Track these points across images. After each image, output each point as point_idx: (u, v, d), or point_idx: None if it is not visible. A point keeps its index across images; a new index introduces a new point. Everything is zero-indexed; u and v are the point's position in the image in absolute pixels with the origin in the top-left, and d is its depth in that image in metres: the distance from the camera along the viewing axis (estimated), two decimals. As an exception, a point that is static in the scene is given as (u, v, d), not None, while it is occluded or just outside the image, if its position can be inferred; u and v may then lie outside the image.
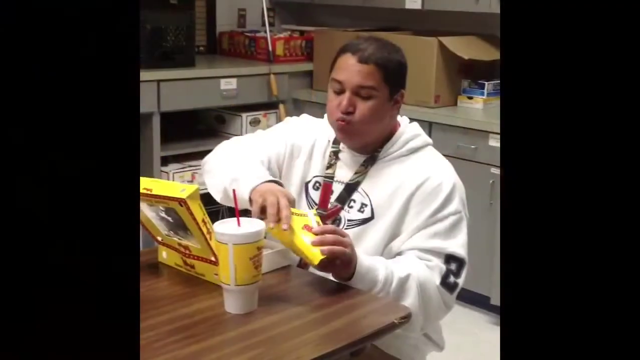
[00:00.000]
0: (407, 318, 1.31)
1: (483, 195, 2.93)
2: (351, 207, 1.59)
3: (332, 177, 1.63)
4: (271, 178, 1.54)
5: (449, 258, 1.51)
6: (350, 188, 1.60)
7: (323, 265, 1.38)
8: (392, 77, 1.56)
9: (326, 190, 1.62)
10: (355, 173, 1.61)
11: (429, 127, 3.04)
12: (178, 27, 3.26)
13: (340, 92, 1.56)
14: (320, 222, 1.45)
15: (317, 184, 1.65)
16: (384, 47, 1.57)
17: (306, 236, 1.38)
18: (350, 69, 1.54)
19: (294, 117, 1.80)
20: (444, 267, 1.50)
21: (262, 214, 1.42)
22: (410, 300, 1.45)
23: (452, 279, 1.51)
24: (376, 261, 1.46)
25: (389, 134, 1.63)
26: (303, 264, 1.58)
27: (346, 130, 1.57)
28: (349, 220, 1.59)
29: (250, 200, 1.47)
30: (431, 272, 1.49)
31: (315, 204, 1.63)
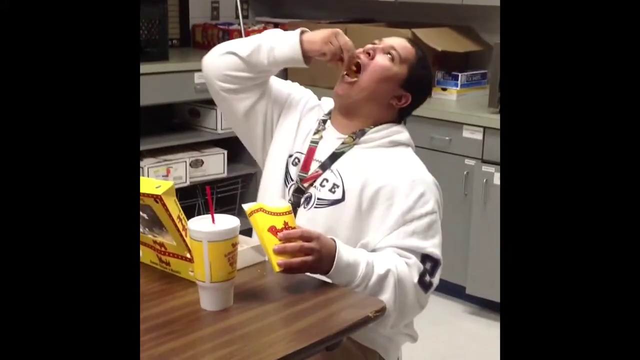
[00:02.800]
0: (381, 311, 1.32)
1: (458, 186, 2.96)
2: (323, 186, 1.60)
3: (317, 143, 1.67)
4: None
5: (425, 257, 1.52)
6: (335, 157, 1.63)
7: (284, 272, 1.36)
8: (416, 72, 1.66)
9: (310, 155, 1.65)
10: (343, 143, 1.64)
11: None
12: (151, 20, 3.24)
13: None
14: (292, 221, 1.39)
15: (297, 160, 1.67)
16: (428, 63, 1.73)
17: (270, 240, 1.34)
18: (396, 39, 1.69)
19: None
20: (421, 265, 1.51)
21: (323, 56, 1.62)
22: (386, 296, 1.45)
23: (427, 278, 1.52)
24: (358, 256, 1.45)
25: (377, 123, 1.66)
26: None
27: (349, 84, 1.63)
28: (319, 199, 1.60)
29: (305, 43, 1.63)
30: (410, 269, 1.49)
31: (292, 180, 1.65)
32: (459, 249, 2.97)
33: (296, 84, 1.83)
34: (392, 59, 1.64)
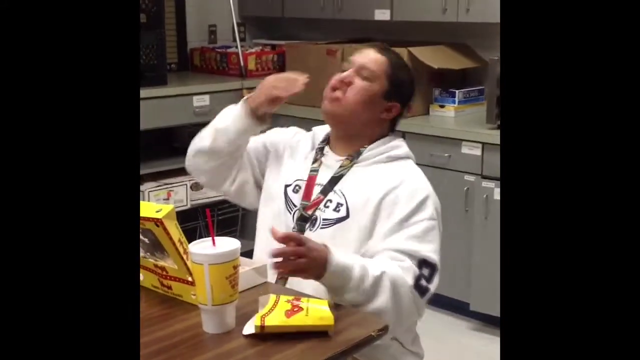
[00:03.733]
0: (384, 330, 1.32)
1: (458, 202, 2.96)
2: (327, 207, 1.62)
3: (316, 171, 1.68)
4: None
5: (422, 262, 1.52)
6: (334, 181, 1.64)
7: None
8: (395, 80, 1.67)
9: (310, 182, 1.66)
10: (341, 167, 1.65)
11: (402, 136, 3.04)
12: (148, 45, 3.26)
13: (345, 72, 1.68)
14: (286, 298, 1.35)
15: (297, 187, 1.68)
16: (404, 63, 1.73)
17: (299, 315, 1.29)
18: (365, 54, 1.69)
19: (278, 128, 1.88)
20: (417, 269, 1.51)
21: (273, 103, 1.69)
22: (382, 298, 1.46)
23: (424, 282, 1.52)
24: (352, 259, 1.46)
25: (374, 140, 1.68)
26: (279, 279, 1.60)
27: (333, 107, 1.65)
28: (324, 219, 1.61)
29: (246, 106, 1.70)
30: (404, 272, 1.49)
31: (295, 206, 1.65)
32: (461, 265, 2.96)
33: (272, 130, 1.86)
34: (367, 79, 1.65)
